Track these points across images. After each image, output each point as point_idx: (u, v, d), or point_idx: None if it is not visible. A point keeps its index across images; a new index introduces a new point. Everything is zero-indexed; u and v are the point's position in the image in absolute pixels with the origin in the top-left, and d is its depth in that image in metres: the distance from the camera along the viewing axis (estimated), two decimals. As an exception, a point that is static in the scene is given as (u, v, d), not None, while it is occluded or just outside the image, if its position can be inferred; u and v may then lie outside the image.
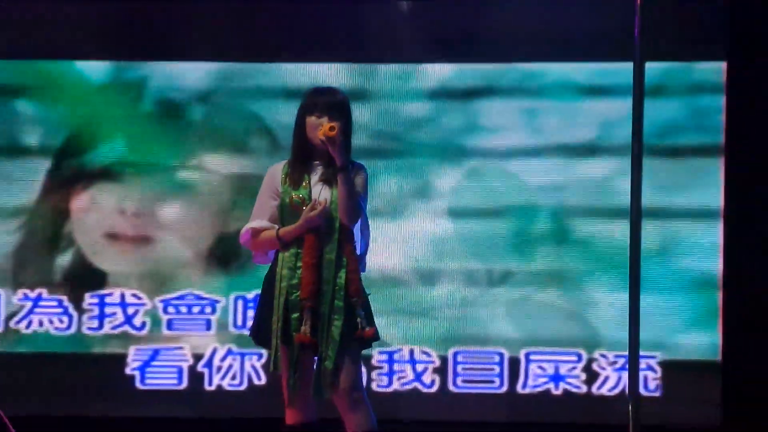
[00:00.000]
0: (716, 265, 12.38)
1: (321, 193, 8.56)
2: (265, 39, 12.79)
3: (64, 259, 12.80)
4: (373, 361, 12.09)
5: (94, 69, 12.84)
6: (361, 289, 8.58)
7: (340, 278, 8.49)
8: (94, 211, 12.72)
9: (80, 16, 12.96)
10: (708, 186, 12.47)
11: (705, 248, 12.49)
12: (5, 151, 12.94)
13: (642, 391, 11.45)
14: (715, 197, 12.48)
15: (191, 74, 12.80)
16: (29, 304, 12.65)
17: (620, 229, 11.64)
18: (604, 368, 12.43)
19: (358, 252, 8.67)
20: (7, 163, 12.95)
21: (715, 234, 12.46)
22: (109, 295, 12.65)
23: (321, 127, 8.39)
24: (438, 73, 12.73)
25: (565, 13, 12.45)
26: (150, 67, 12.86)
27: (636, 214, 10.39)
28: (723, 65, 12.45)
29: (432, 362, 12.53)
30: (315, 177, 8.63)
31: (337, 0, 12.74)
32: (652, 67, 10.96)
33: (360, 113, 11.79)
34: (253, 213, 8.72)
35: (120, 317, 12.63)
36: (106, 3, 12.81)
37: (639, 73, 10.24)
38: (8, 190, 12.87)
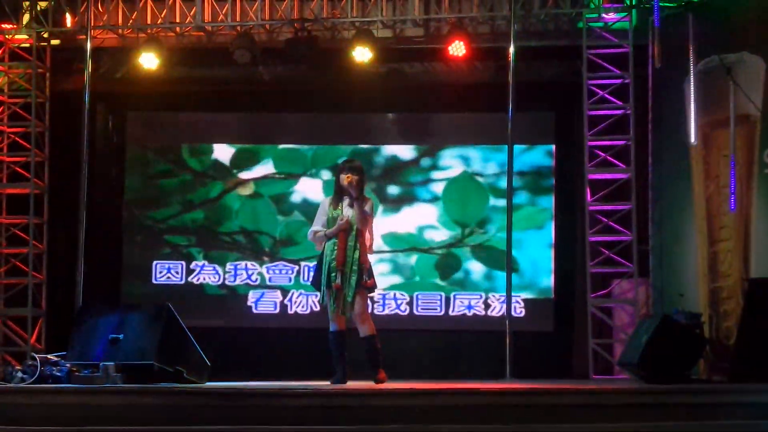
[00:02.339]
0: (551, 240, 12.52)
1: (347, 212, 9.27)
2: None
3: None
4: (375, 298, 12.15)
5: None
6: (366, 260, 9.27)
7: (355, 255, 9.25)
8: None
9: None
10: (546, 198, 12.58)
11: (545, 232, 12.53)
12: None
13: (513, 314, 11.22)
14: (550, 203, 12.57)
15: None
16: (198, 269, 12.84)
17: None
18: (493, 302, 12.50)
19: (367, 243, 9.31)
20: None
21: (550, 226, 12.54)
22: (238, 264, 12.77)
23: (345, 180, 9.18)
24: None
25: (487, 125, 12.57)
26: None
27: (509, 220, 10.47)
28: (553, 147, 12.64)
29: (405, 299, 12.66)
30: (345, 203, 9.23)
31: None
32: (517, 147, 11.42)
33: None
34: (314, 222, 9.52)
35: (244, 275, 12.78)
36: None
37: (510, 153, 10.28)
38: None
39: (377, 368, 9.21)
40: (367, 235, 9.33)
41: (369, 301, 9.66)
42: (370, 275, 9.25)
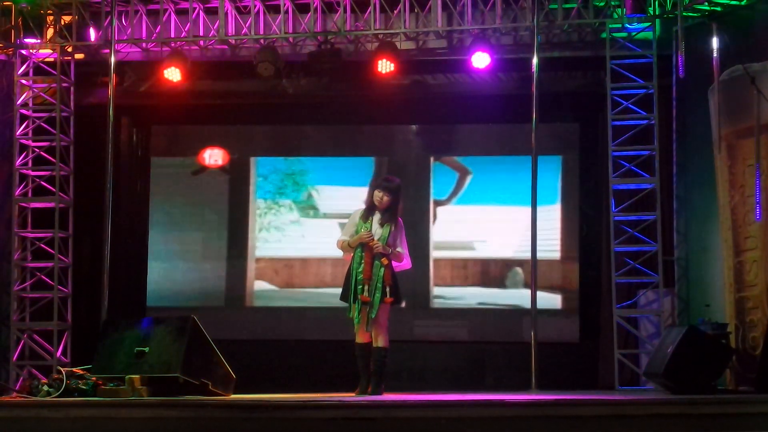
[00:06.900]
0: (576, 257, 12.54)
1: (376, 229, 9.35)
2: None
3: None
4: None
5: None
6: (389, 278, 9.31)
7: (380, 272, 9.34)
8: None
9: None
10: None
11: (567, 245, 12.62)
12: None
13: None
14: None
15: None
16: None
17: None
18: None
19: (401, 261, 9.46)
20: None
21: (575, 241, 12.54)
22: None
23: (376, 197, 9.37)
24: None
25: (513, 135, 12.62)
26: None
27: (534, 232, 10.44)
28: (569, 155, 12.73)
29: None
30: (376, 219, 9.39)
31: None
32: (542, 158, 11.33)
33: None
34: (342, 232, 9.64)
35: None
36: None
37: (534, 164, 10.33)
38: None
39: (379, 381, 9.28)
40: (400, 251, 9.41)
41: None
42: (393, 293, 9.32)
